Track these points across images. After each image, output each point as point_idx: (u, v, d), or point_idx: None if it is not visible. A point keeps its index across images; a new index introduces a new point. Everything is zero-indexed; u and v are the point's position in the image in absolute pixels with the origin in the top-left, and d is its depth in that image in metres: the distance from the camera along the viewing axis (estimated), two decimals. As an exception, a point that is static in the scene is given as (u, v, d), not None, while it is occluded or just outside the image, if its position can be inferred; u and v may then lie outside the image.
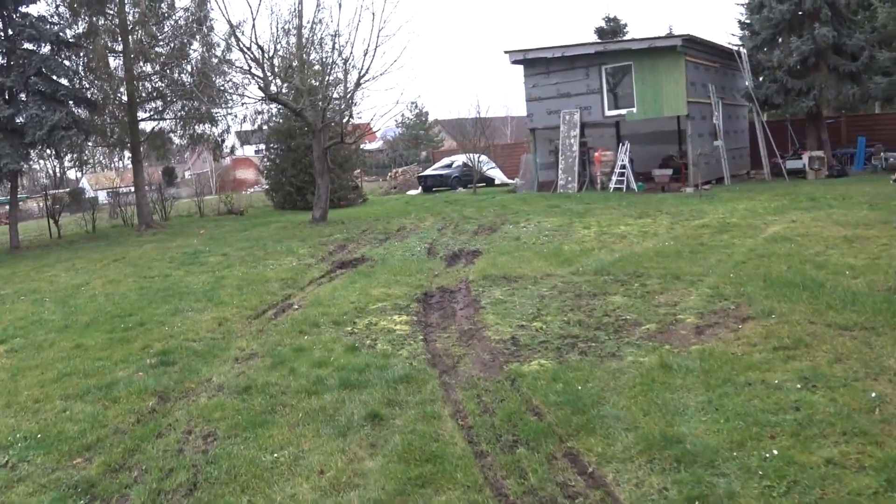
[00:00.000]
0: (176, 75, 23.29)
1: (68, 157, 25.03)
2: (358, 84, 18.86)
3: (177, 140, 26.77)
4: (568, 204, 17.99)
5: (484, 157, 30.02)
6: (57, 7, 21.51)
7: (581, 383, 5.29)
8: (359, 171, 33.48)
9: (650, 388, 5.07)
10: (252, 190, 46.66)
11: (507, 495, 3.87)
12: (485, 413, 4.99)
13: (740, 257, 9.51)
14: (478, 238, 13.74)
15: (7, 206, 21.01)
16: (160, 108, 24.33)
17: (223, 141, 26.96)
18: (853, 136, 24.68)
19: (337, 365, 6.24)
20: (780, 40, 22.63)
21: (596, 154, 22.45)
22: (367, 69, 18.65)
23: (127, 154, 27.30)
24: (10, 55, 19.42)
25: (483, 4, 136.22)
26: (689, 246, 10.73)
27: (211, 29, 22.97)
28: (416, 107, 57.26)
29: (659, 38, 21.67)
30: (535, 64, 23.53)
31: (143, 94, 23.61)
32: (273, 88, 19.04)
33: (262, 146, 32.45)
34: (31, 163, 27.25)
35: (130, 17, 22.38)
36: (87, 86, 22.37)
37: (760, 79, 23.26)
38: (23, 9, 19.79)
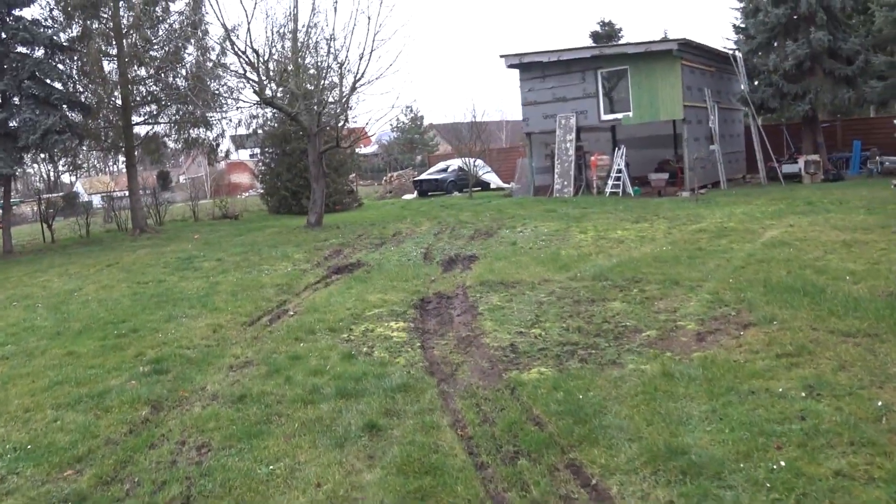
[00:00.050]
0: (170, 79, 23.23)
1: (62, 161, 24.90)
2: (353, 88, 18.80)
3: (171, 144, 26.70)
4: (564, 208, 17.93)
5: (480, 162, 29.97)
6: (51, 10, 21.42)
7: (582, 392, 5.20)
8: (354, 175, 33.40)
9: (653, 396, 4.99)
10: (247, 194, 46.56)
11: (508, 509, 3.78)
12: (485, 423, 4.90)
13: (739, 262, 9.45)
14: (474, 243, 13.66)
15: (0, 211, 20.81)
16: (155, 112, 24.24)
17: (218, 145, 26.88)
18: (848, 140, 24.70)
19: (333, 373, 6.14)
20: (775, 44, 22.62)
21: (592, 158, 22.42)
22: (363, 73, 18.63)
23: (121, 158, 27.12)
24: (3, 59, 19.30)
25: (479, 9, 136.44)
26: (688, 251, 10.67)
27: (206, 33, 22.94)
28: (412, 111, 57.31)
29: (655, 42, 21.70)
30: (531, 68, 23.49)
31: (138, 98, 23.51)
32: (268, 92, 18.95)
33: (258, 150, 32.38)
34: (25, 167, 27.13)
35: (125, 21, 22.30)
36: (81, 89, 22.29)
37: (756, 83, 23.24)
38: (16, 12, 19.69)
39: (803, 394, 4.81)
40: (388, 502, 3.92)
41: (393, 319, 8.04)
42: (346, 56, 23.54)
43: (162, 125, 24.88)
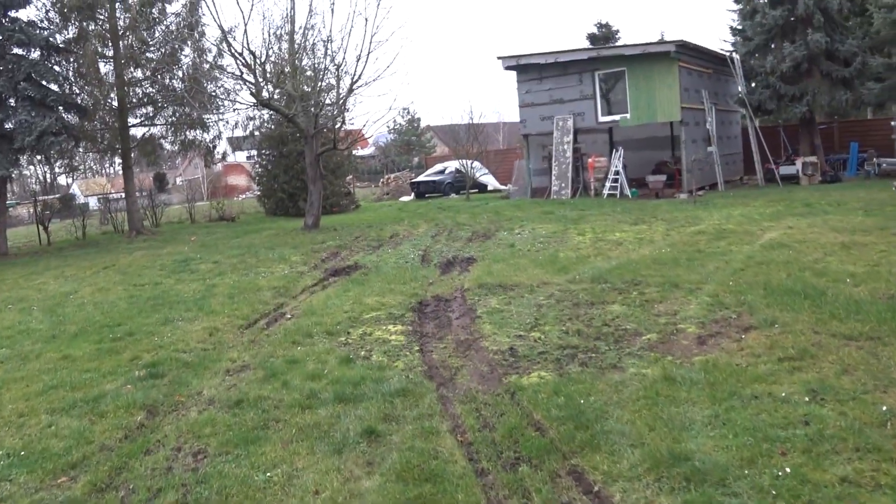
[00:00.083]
0: (167, 81, 23.13)
1: (58, 162, 24.82)
2: (350, 90, 18.73)
3: (168, 146, 26.60)
4: (562, 210, 17.88)
5: (477, 164, 29.95)
6: (47, 12, 21.32)
7: (583, 396, 5.15)
8: (351, 177, 33.36)
9: (654, 401, 4.94)
10: (244, 196, 46.50)
11: (509, 516, 3.72)
12: (485, 428, 4.84)
13: (738, 264, 9.41)
14: (472, 245, 13.61)
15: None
16: (151, 114, 24.16)
17: (214, 147, 26.78)
18: (846, 141, 24.69)
19: (331, 378, 6.07)
20: (773, 46, 22.61)
21: (589, 160, 22.37)
22: (360, 75, 18.54)
23: (117, 160, 27.05)
24: (-2, 60, 19.22)
25: (476, 11, 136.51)
26: (686, 253, 10.63)
27: (202, 34, 22.84)
28: (409, 113, 57.19)
29: (652, 43, 21.65)
30: (528, 70, 23.45)
31: (134, 100, 23.43)
32: (265, 94, 18.88)
33: (254, 152, 32.29)
34: (21, 168, 27.03)
35: (121, 23, 22.22)
36: (78, 91, 22.18)
37: (753, 84, 23.24)
38: (12, 13, 19.59)
39: (807, 398, 4.76)
40: (387, 510, 3.86)
41: (391, 323, 7.98)
42: (344, 58, 23.42)
43: (158, 127, 24.82)
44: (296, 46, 18.87)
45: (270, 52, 18.73)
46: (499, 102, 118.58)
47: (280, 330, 8.00)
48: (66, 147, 21.50)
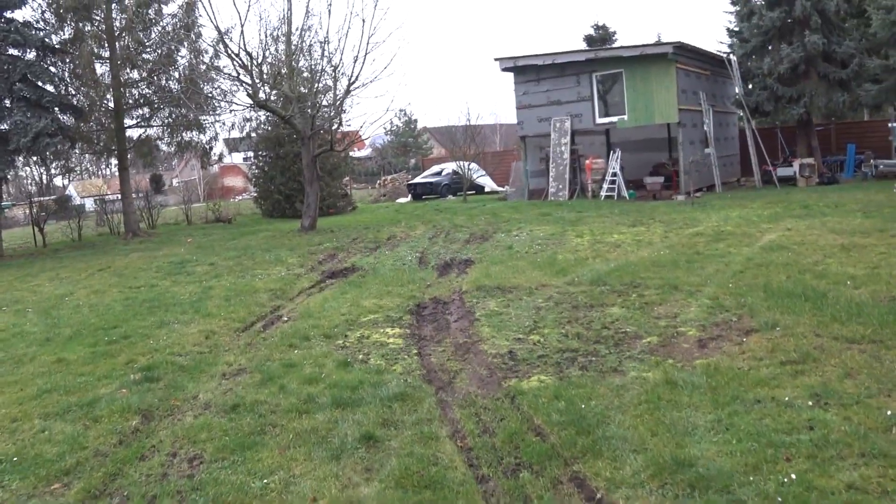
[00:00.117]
0: (163, 82, 23.05)
1: (54, 164, 24.71)
2: (347, 91, 18.67)
3: (164, 147, 26.52)
4: (560, 212, 17.84)
5: (474, 165, 29.89)
6: (43, 12, 21.25)
7: (584, 401, 5.08)
8: (348, 178, 33.28)
9: (656, 406, 4.88)
10: (240, 198, 46.40)
11: (511, 524, 3.66)
12: (484, 433, 4.78)
13: (738, 266, 9.36)
14: (470, 247, 13.55)
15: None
16: (147, 115, 24.06)
17: (211, 148, 26.71)
18: (843, 143, 24.69)
19: (329, 382, 6.00)
20: (770, 48, 22.60)
21: (587, 162, 22.34)
22: (357, 76, 18.50)
23: (114, 161, 26.95)
24: (-7, 61, 19.12)
25: (473, 12, 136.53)
26: (685, 255, 10.58)
27: (199, 35, 22.75)
28: (406, 114, 57.14)
29: (650, 45, 21.61)
30: (526, 71, 23.40)
31: (130, 101, 23.33)
32: (262, 95, 18.80)
33: (251, 154, 32.18)
34: (17, 170, 26.90)
35: (117, 23, 22.14)
36: (73, 92, 22.09)
37: (751, 86, 23.23)
38: (8, 14, 19.49)
39: (810, 402, 4.70)
40: (386, 518, 3.79)
41: (389, 325, 7.92)
42: (341, 59, 23.48)
43: (155, 128, 24.72)
44: (293, 48, 18.81)
45: (267, 54, 18.69)
46: (496, 104, 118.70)
47: (277, 333, 7.93)
48: (62, 148, 21.43)
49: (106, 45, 21.91)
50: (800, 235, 11.43)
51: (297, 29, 18.87)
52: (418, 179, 33.62)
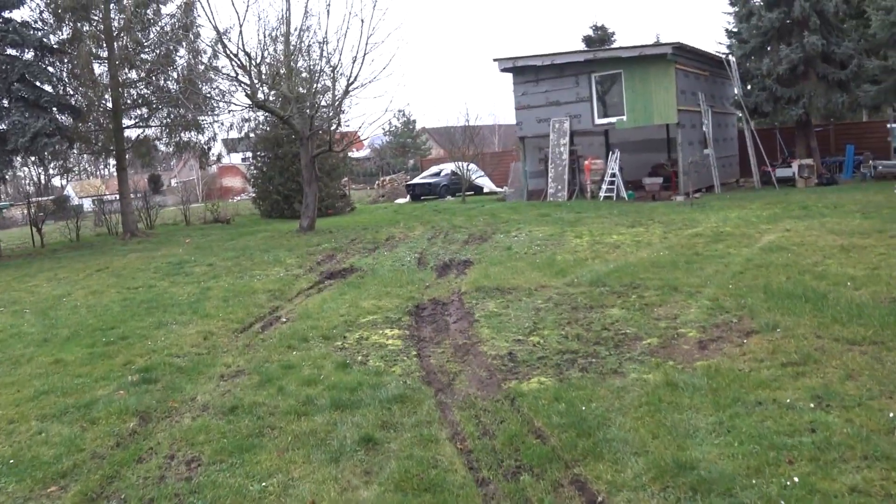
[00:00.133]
0: (162, 82, 23.01)
1: (52, 164, 24.68)
2: (346, 92, 18.63)
3: (162, 148, 26.48)
4: (559, 213, 17.82)
5: (473, 166, 29.87)
6: (41, 12, 21.20)
7: (584, 403, 5.06)
8: (347, 179, 33.23)
9: (657, 408, 4.85)
10: (239, 198, 46.35)
11: (511, 527, 3.63)
12: (484, 436, 4.74)
13: (737, 267, 9.34)
14: (469, 248, 13.52)
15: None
16: (146, 116, 24.02)
17: (209, 149, 26.67)
18: (841, 144, 24.69)
19: (327, 383, 5.97)
20: (769, 48, 22.59)
21: (586, 162, 22.32)
22: (356, 77, 18.46)
23: (112, 161, 26.95)
24: (-8, 61, 19.08)
25: (472, 13, 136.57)
26: (685, 256, 10.56)
27: (197, 35, 22.69)
28: (404, 115, 57.07)
29: (649, 46, 21.61)
30: (525, 72, 23.38)
31: (129, 101, 23.28)
32: (260, 96, 18.78)
33: (249, 154, 32.15)
34: (15, 170, 26.88)
35: (116, 24, 22.10)
36: (72, 92, 22.06)
37: (749, 87, 23.22)
38: (6, 14, 19.46)
39: (812, 405, 4.68)
40: (386, 521, 3.76)
41: (388, 326, 7.89)
42: (339, 59, 23.41)
43: (153, 128, 24.69)
44: (291, 48, 18.77)
45: (266, 54, 18.67)
46: (495, 105, 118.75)
47: (275, 334, 7.90)
48: (60, 148, 21.40)
49: (104, 45, 21.86)
50: (799, 236, 11.41)
51: (295, 29, 18.88)
52: (417, 180, 33.59)
